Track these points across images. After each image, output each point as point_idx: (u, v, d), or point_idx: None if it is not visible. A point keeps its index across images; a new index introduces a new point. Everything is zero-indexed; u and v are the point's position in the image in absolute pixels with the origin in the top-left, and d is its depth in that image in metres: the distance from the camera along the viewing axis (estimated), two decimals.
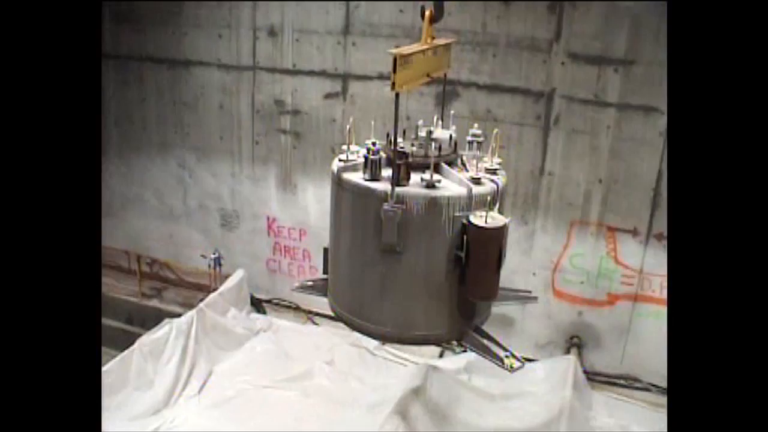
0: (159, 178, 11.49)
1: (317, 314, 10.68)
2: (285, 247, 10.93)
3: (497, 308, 10.02)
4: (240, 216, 11.03)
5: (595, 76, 8.71)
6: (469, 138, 4.45)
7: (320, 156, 10.17)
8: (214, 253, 10.66)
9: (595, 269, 9.42)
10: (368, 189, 3.86)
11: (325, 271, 4.58)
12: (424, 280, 3.92)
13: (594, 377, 9.58)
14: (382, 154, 3.99)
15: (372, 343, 10.04)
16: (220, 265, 10.60)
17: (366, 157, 3.98)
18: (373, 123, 4.64)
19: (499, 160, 4.33)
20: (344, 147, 4.29)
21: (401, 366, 9.77)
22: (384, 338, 4.49)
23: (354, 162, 4.19)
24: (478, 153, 4.33)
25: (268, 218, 10.84)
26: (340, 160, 4.23)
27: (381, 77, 9.66)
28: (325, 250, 4.51)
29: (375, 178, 3.92)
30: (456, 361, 9.66)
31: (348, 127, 4.35)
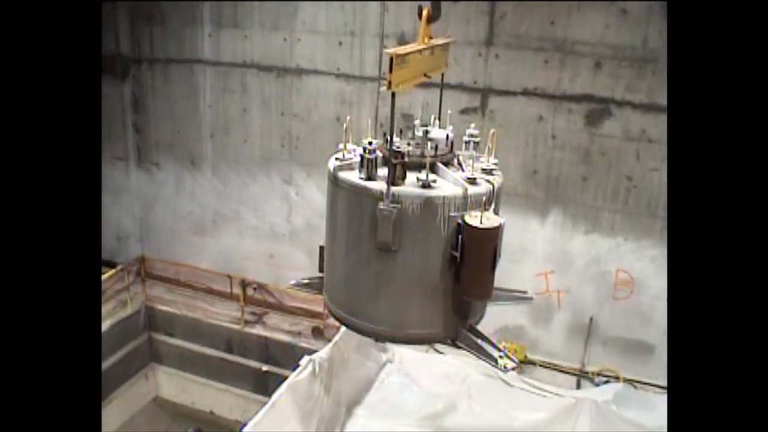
0: (260, 194, 10.68)
1: None
2: None
3: (635, 335, 9.73)
4: None
5: None
6: (465, 138, 4.46)
7: None
8: None
9: None
10: (364, 188, 3.88)
11: (320, 270, 4.62)
12: (420, 279, 3.96)
13: None
14: (379, 154, 3.99)
15: (508, 375, 9.51)
16: None
17: (362, 156, 3.97)
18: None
19: (496, 161, 4.33)
20: (341, 146, 4.30)
21: (541, 397, 9.23)
22: (379, 337, 4.44)
23: (350, 161, 4.17)
24: (475, 153, 4.35)
25: None
26: (336, 159, 4.20)
27: (526, 92, 9.08)
28: (321, 248, 4.55)
29: (371, 177, 3.93)
30: (601, 392, 9.18)
31: (345, 125, 4.31)
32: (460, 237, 3.77)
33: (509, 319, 9.99)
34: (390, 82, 3.57)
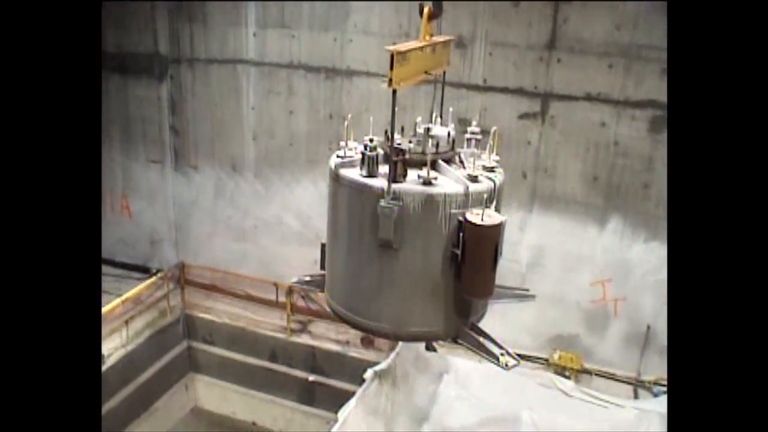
0: (305, 199, 10.38)
1: None
2: None
3: None
4: None
5: None
6: (467, 135, 4.50)
7: (511, 182, 9.28)
8: None
9: None
10: (365, 185, 3.91)
11: (322, 267, 4.67)
12: (421, 276, 3.99)
13: None
14: (380, 151, 4.02)
15: (566, 385, 9.35)
16: None
17: (363, 154, 4.00)
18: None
19: (497, 158, 4.38)
20: (342, 143, 4.36)
21: (602, 408, 9.09)
22: (380, 335, 4.53)
23: (352, 158, 4.20)
24: (476, 151, 4.39)
25: None
26: (338, 156, 4.26)
27: (589, 98, 8.87)
28: (323, 245, 4.58)
29: (372, 174, 3.96)
30: (662, 402, 9.05)
31: (346, 123, 4.32)
32: (461, 234, 3.79)
33: (564, 328, 9.83)
34: (390, 80, 3.62)
